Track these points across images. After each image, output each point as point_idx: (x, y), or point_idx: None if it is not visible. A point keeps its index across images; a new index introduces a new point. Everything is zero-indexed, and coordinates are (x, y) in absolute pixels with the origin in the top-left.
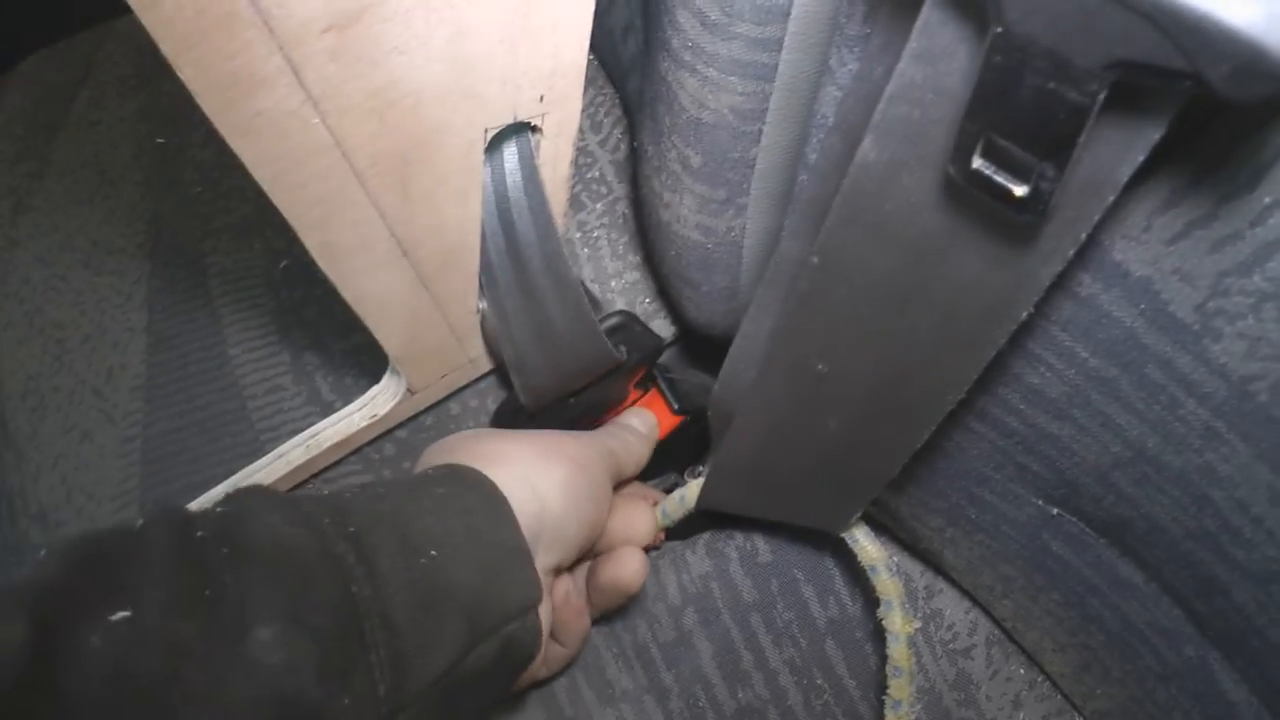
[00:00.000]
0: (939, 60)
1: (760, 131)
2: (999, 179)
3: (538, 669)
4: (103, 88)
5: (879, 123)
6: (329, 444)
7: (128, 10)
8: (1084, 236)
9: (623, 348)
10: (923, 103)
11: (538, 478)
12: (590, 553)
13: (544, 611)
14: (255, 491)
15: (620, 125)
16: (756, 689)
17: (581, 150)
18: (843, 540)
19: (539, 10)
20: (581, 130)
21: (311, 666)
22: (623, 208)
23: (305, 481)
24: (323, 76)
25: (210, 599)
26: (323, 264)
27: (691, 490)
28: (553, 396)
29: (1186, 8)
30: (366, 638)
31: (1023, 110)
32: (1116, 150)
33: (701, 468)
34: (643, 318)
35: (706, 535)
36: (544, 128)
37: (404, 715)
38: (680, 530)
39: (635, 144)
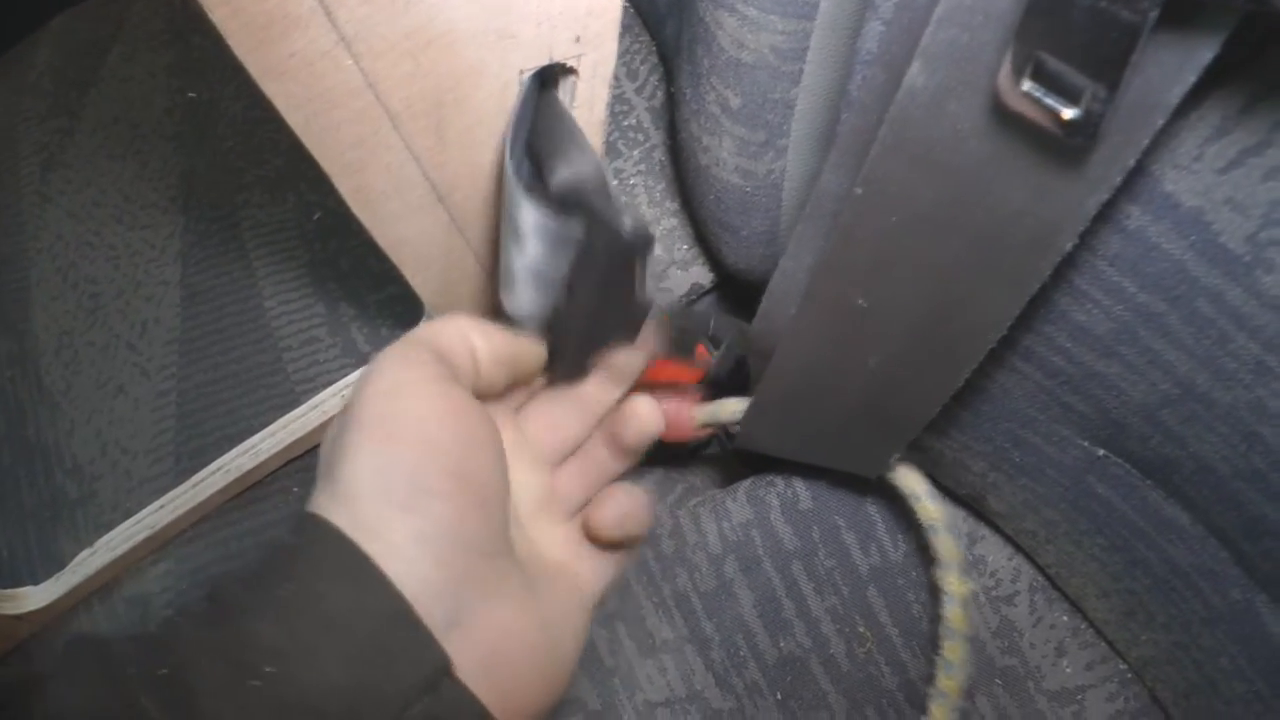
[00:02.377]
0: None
1: (800, 71)
2: (1049, 101)
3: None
4: (134, 44)
5: (927, 47)
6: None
7: None
8: (1133, 163)
9: None
10: (972, 25)
11: (411, 496)
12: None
13: (491, 653)
14: (63, 650)
15: (657, 72)
16: (798, 638)
17: (618, 98)
18: (884, 487)
19: None
20: (617, 77)
21: None
22: (659, 155)
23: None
24: (356, 17)
25: None
26: (357, 209)
27: (739, 409)
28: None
29: None
30: None
31: (1074, 29)
32: (1168, 71)
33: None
34: (679, 264)
35: (747, 483)
36: (580, 69)
37: None
38: (720, 475)
39: (672, 89)
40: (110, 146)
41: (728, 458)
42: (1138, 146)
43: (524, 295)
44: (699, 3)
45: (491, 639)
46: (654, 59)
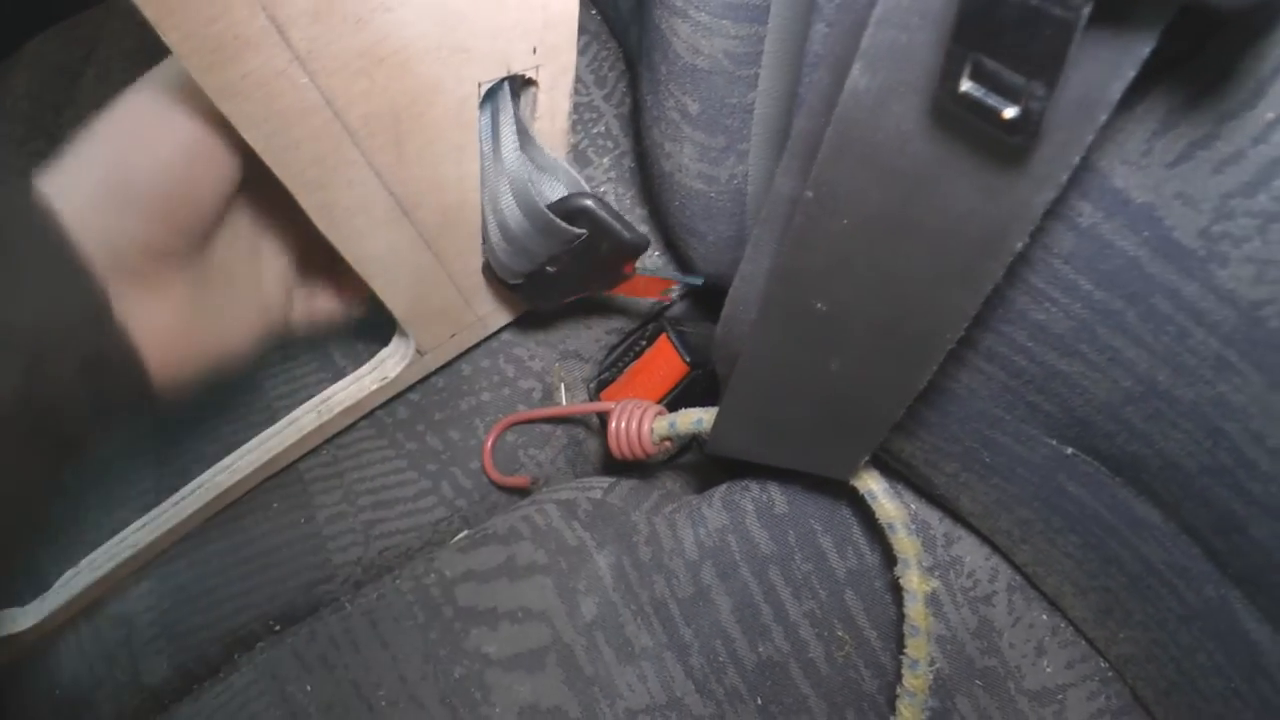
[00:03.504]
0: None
1: (756, 75)
2: (989, 101)
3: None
4: (108, 64)
5: (867, 49)
6: (340, 409)
7: None
8: (1078, 160)
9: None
10: (909, 26)
11: (92, 168)
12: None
13: (161, 307)
14: None
15: (624, 79)
16: (777, 642)
17: (586, 105)
18: (859, 491)
19: None
20: (585, 84)
21: None
22: (629, 162)
23: (319, 447)
24: (308, 35)
25: None
26: (322, 226)
27: (709, 416)
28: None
29: None
30: None
31: (1008, 29)
32: (1107, 66)
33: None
34: (651, 271)
35: (722, 488)
36: (539, 80)
37: None
38: (696, 482)
39: (636, 96)
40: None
41: (703, 464)
42: (1082, 143)
43: (503, 259)
44: (654, 10)
45: (145, 302)
46: (622, 65)
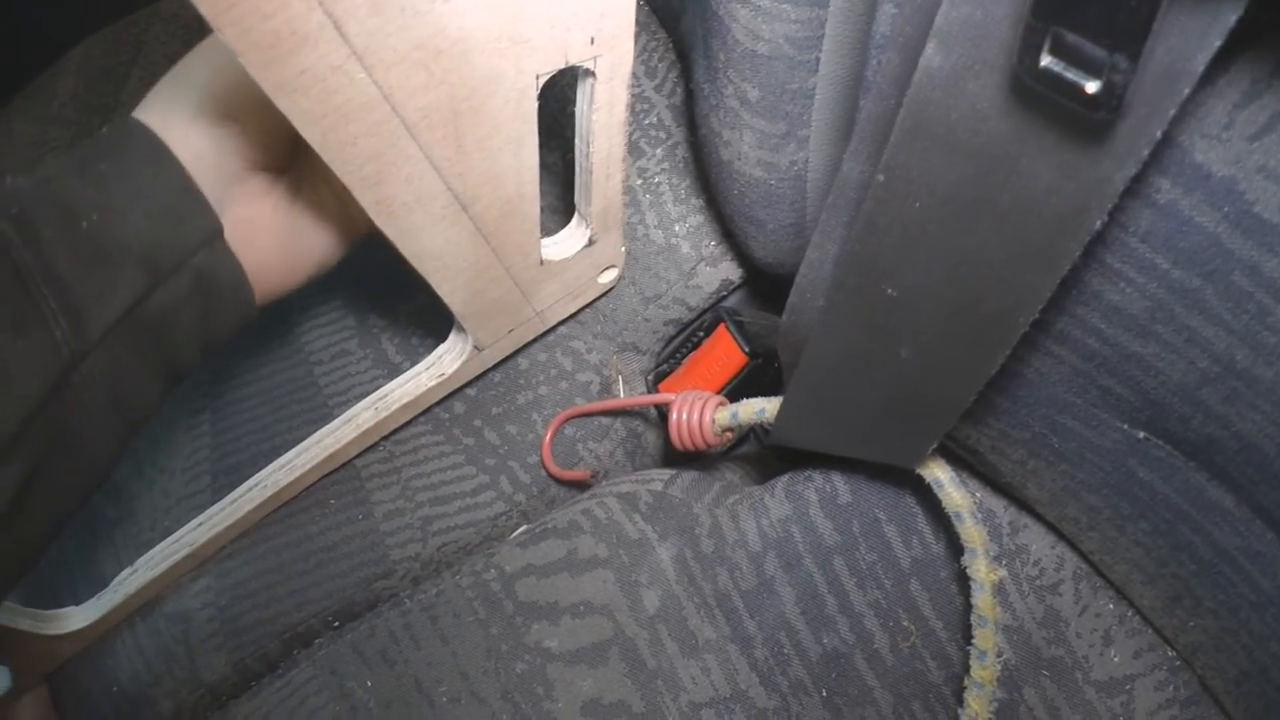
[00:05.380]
0: None
1: (817, 60)
2: (1070, 76)
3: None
4: (153, 68)
5: (941, 27)
6: (398, 405)
7: None
8: (1160, 135)
9: None
10: (985, 2)
11: (195, 86)
12: None
13: (260, 223)
14: None
15: (675, 69)
16: (842, 633)
17: (638, 96)
18: (924, 479)
19: None
20: (636, 76)
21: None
22: (683, 151)
23: (376, 443)
24: (366, 30)
25: None
26: (380, 222)
27: (772, 406)
28: None
29: None
30: (33, 295)
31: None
32: (1192, 37)
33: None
34: (707, 260)
35: (784, 478)
36: (597, 71)
37: (94, 355)
38: (758, 472)
39: (691, 84)
40: None
41: (764, 454)
42: (1164, 117)
43: None
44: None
45: (247, 221)
46: (672, 55)
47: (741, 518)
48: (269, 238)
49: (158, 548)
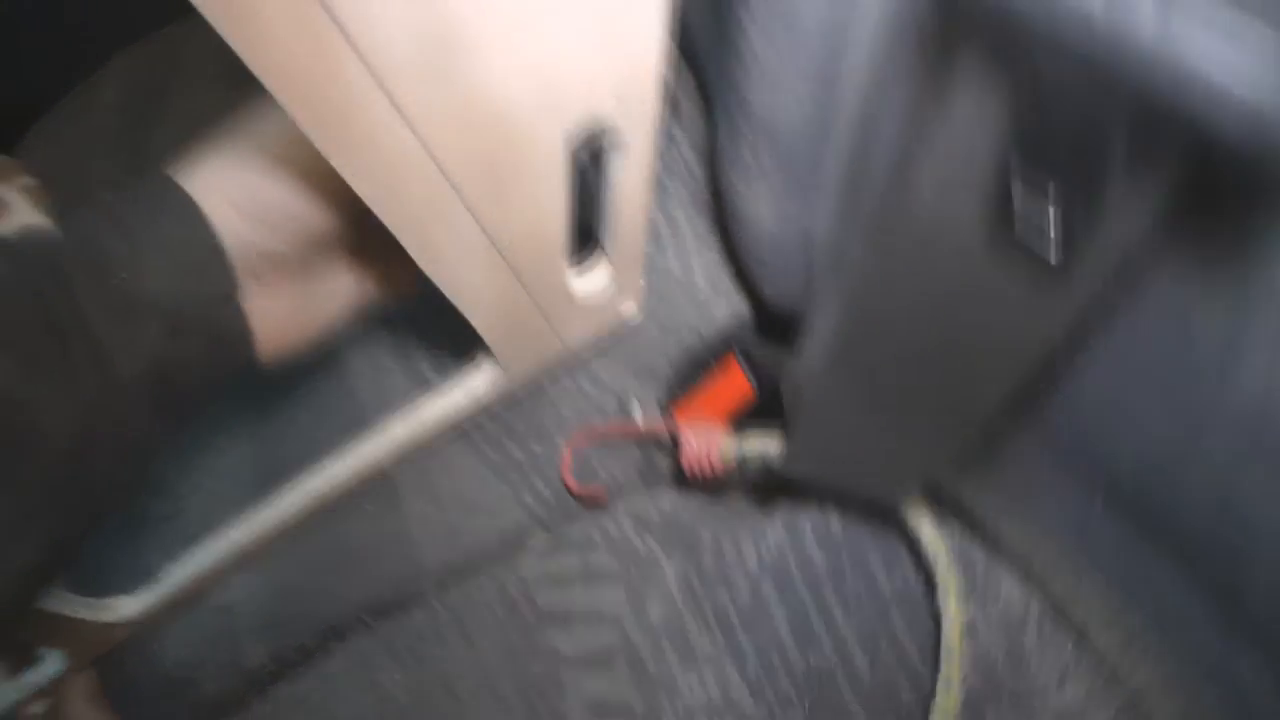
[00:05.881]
0: (976, 122)
1: (829, 134)
2: (1036, 223)
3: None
4: (195, 81)
5: (933, 172)
6: (431, 421)
7: None
8: (1115, 273)
9: None
10: (972, 164)
11: (243, 182)
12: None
13: (275, 307)
14: None
15: (700, 108)
16: (826, 653)
17: (663, 134)
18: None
19: (618, 22)
20: (663, 116)
21: (14, 370)
22: (703, 190)
23: (409, 454)
24: (415, 98)
25: None
26: (421, 263)
27: (775, 443)
28: None
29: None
30: (66, 345)
31: (1058, 165)
32: (1141, 198)
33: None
34: (722, 294)
35: (783, 509)
36: (624, 127)
37: (118, 403)
38: (759, 501)
39: (713, 131)
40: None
41: (766, 483)
42: (1120, 258)
43: None
44: (734, 68)
45: (261, 283)
46: (698, 95)
47: (742, 542)
48: (278, 311)
49: (205, 544)
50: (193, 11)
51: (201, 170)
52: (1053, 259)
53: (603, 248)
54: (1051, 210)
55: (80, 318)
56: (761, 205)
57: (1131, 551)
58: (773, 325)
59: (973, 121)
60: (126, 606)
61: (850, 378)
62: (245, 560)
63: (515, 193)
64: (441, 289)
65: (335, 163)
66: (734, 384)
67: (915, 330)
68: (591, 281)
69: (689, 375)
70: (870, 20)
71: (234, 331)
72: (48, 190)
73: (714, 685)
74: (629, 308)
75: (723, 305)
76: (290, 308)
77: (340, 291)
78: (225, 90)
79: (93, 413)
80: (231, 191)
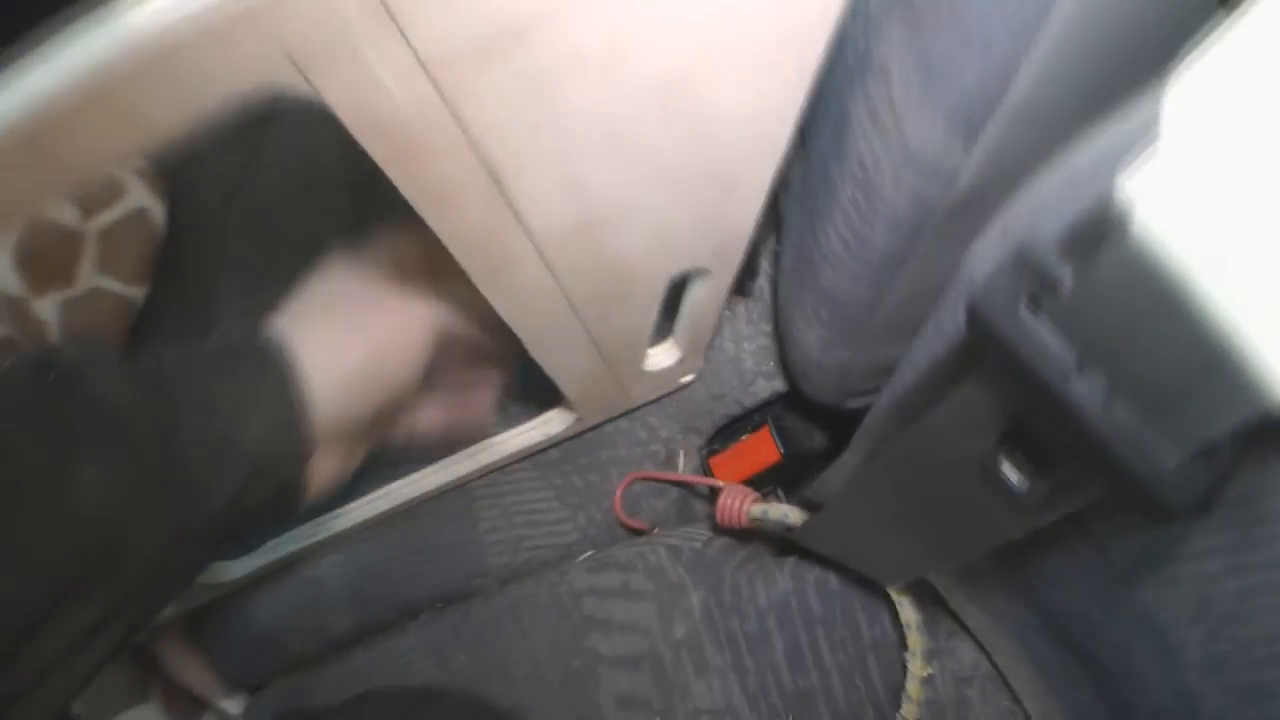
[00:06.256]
0: (974, 408)
1: (878, 308)
2: (1006, 477)
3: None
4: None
5: (940, 407)
6: (509, 451)
7: None
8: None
9: None
10: (970, 427)
11: (350, 359)
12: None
13: (327, 465)
14: (96, 346)
15: (770, 214)
16: (812, 680)
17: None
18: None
19: (725, 208)
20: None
21: (123, 491)
22: (762, 282)
23: (487, 474)
24: (561, 256)
25: (54, 434)
26: (532, 352)
27: (794, 515)
28: None
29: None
30: (167, 476)
31: (1029, 451)
32: (1085, 488)
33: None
34: (765, 375)
35: (792, 561)
36: (712, 269)
37: (196, 531)
38: (774, 552)
39: (779, 262)
40: (286, 184)
41: (782, 541)
42: (1070, 508)
43: None
44: (809, 241)
45: (327, 448)
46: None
47: (756, 583)
48: (332, 460)
49: (303, 527)
50: None
51: (317, 336)
52: (1021, 499)
53: (675, 333)
54: (1024, 477)
55: (183, 454)
56: (811, 340)
57: (1058, 662)
58: (804, 404)
59: (981, 398)
60: (232, 570)
61: (861, 502)
62: (337, 543)
63: (619, 311)
64: (544, 368)
65: (485, 293)
66: (766, 449)
67: (915, 493)
68: (662, 359)
69: (729, 435)
70: (922, 247)
71: (295, 485)
72: (162, 176)
73: (719, 693)
74: (688, 377)
75: (764, 384)
76: (337, 466)
77: (370, 445)
78: None
79: (176, 537)
80: (340, 365)
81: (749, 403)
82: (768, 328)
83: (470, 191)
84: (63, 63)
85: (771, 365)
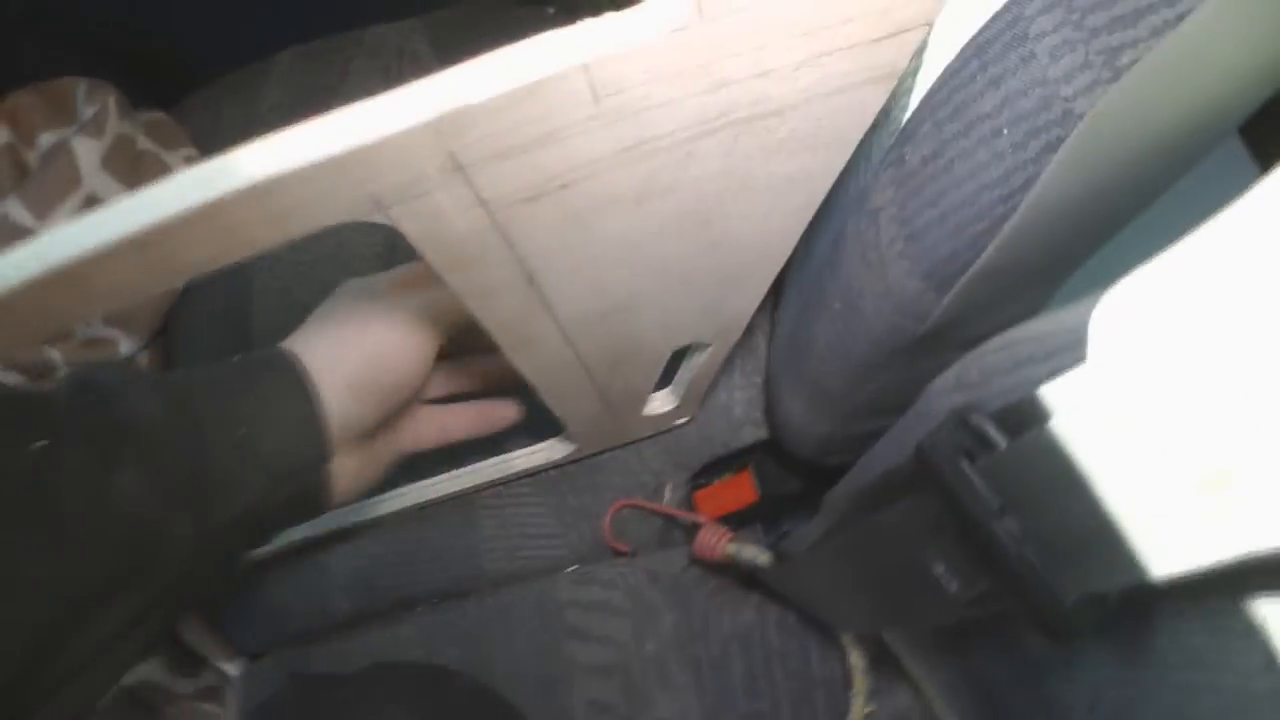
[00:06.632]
0: (916, 518)
1: (856, 395)
2: (939, 576)
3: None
4: (351, 97)
5: (895, 512)
6: (514, 470)
7: (378, 20)
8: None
9: None
10: (914, 530)
11: (349, 364)
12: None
13: (347, 465)
14: (131, 370)
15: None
16: (763, 705)
17: None
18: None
19: (729, 301)
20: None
21: (159, 496)
22: (759, 339)
23: (491, 487)
24: (582, 335)
25: (95, 446)
26: (543, 398)
27: (763, 558)
28: None
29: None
30: (195, 482)
31: (958, 554)
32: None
33: (784, 530)
34: (752, 423)
35: (758, 596)
36: (713, 343)
37: (214, 539)
38: (743, 585)
39: (773, 337)
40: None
41: (751, 577)
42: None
43: None
44: (802, 334)
45: (345, 450)
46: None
47: (723, 611)
48: (352, 459)
49: (316, 521)
50: (367, 29)
51: (319, 348)
52: (951, 595)
53: (676, 382)
54: (954, 579)
55: (207, 461)
56: (795, 409)
57: (978, 712)
58: (784, 452)
59: (923, 512)
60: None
61: (821, 565)
62: (347, 534)
63: (625, 372)
64: (551, 409)
65: (508, 357)
66: (745, 489)
67: (865, 570)
68: (660, 405)
69: (713, 472)
70: (895, 361)
71: (315, 488)
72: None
73: (680, 707)
74: (683, 420)
75: (750, 430)
76: (358, 465)
77: (395, 446)
78: None
79: (204, 536)
80: (340, 371)
81: (735, 445)
82: (758, 379)
83: (510, 289)
84: (187, 190)
85: (759, 415)
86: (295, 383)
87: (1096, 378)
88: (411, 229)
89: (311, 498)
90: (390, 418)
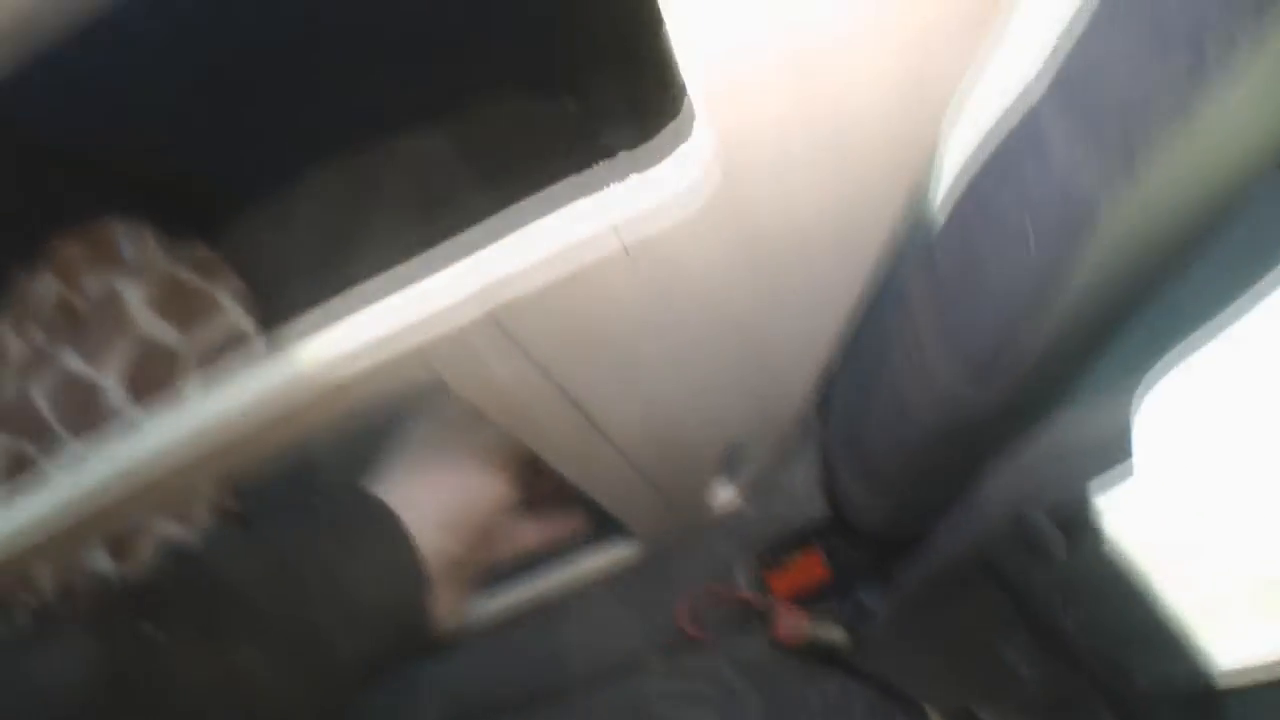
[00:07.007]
0: (981, 607)
1: (913, 475)
2: (1008, 661)
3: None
4: (390, 205)
5: (954, 604)
6: (584, 570)
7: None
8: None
9: None
10: (979, 617)
11: (442, 506)
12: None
13: (445, 596)
14: (222, 532)
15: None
16: None
17: None
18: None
19: (770, 398)
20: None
21: (264, 660)
22: (811, 419)
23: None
24: (629, 442)
25: (207, 621)
26: (609, 509)
27: (841, 637)
28: None
29: None
30: (301, 643)
31: (1023, 639)
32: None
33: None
34: (812, 500)
35: (839, 674)
36: (764, 434)
37: (331, 680)
38: (823, 662)
39: (827, 419)
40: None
41: (830, 655)
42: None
43: None
44: (857, 420)
45: (443, 583)
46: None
47: (809, 691)
48: (451, 591)
49: None
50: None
51: (411, 491)
52: (1021, 675)
53: (732, 478)
54: (1022, 664)
55: (312, 618)
56: (855, 490)
57: None
58: (849, 525)
59: (986, 603)
60: None
61: (897, 649)
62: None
63: (679, 472)
64: (618, 518)
65: (568, 476)
66: (815, 568)
67: (937, 656)
68: (721, 497)
69: (780, 550)
70: (946, 448)
71: (419, 623)
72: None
73: None
74: (744, 506)
75: (810, 506)
76: (454, 597)
77: (477, 559)
78: (420, 216)
79: (313, 688)
80: (434, 512)
81: (799, 524)
82: (814, 456)
83: (564, 424)
84: (255, 387)
85: (818, 491)
86: (387, 525)
87: (1145, 484)
88: (470, 394)
89: (416, 634)
90: (478, 546)
